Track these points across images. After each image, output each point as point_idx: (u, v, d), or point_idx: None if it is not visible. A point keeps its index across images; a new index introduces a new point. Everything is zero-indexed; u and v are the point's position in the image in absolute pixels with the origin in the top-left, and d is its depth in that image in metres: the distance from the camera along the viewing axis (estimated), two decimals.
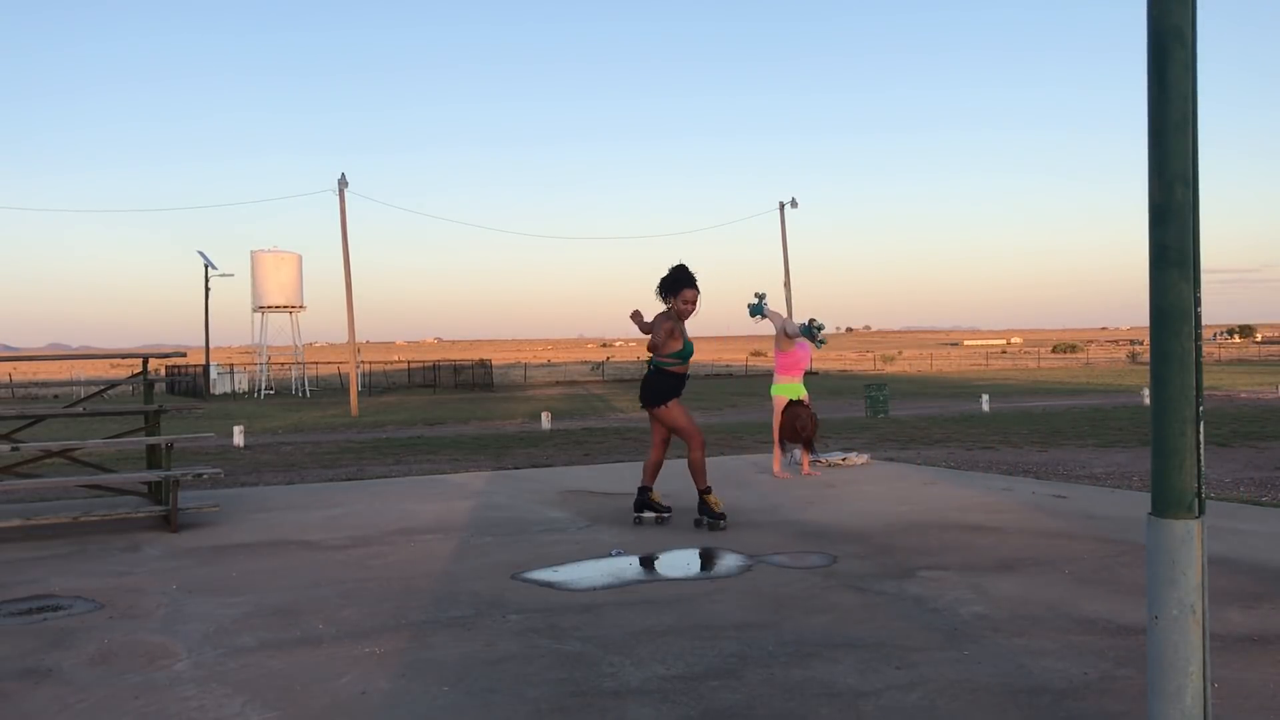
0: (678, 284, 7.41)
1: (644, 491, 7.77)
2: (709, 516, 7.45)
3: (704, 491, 7.50)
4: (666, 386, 7.53)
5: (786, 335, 10.52)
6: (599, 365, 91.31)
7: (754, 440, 16.81)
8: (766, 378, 12.17)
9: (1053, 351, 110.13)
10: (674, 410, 7.57)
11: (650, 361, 7.60)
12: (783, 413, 10.28)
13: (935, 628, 4.72)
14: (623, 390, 50.14)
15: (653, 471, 7.85)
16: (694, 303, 7.44)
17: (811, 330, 10.73)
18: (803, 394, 10.39)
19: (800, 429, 10.17)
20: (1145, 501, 8.28)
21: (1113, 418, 21.63)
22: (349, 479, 12.08)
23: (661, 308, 7.53)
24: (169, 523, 7.76)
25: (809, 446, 10.44)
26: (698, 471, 7.56)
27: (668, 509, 7.73)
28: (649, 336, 7.50)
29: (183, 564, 6.55)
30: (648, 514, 7.72)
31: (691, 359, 7.65)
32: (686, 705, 3.75)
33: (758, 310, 10.83)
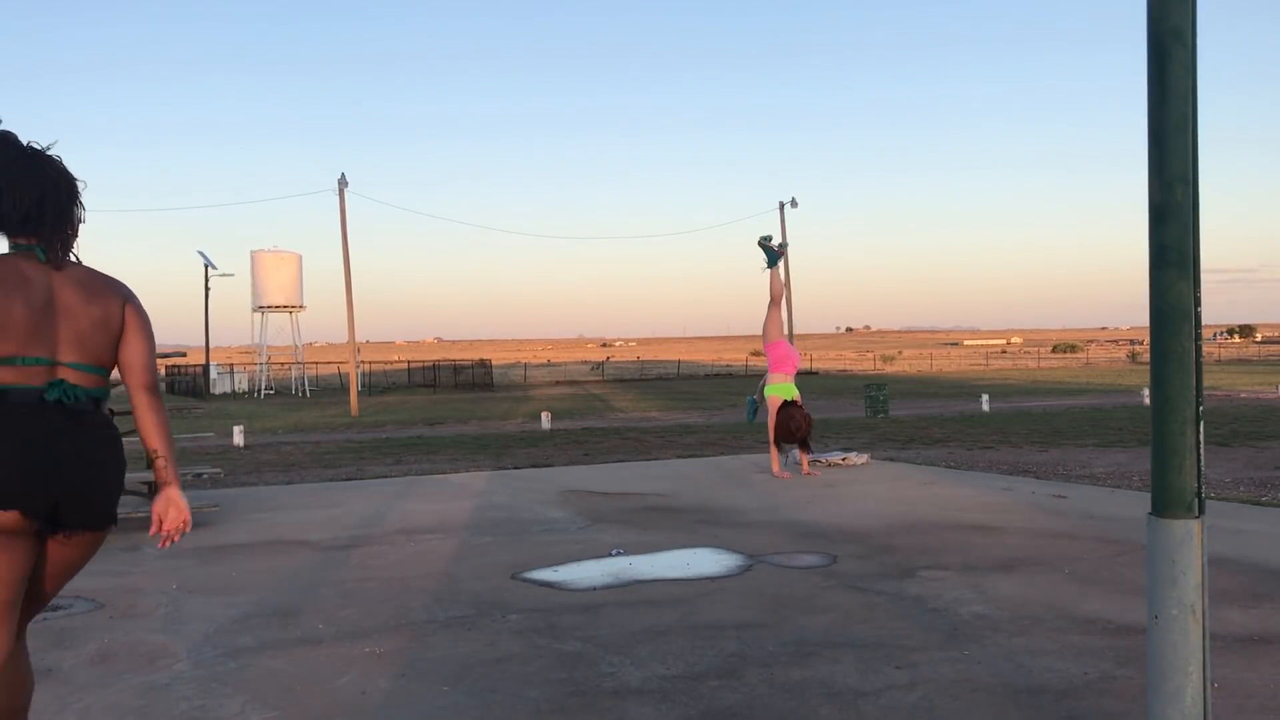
0: None
1: None
2: None
3: None
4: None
5: (772, 297, 10.82)
6: (599, 365, 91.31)
7: (754, 440, 16.81)
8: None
9: (1053, 351, 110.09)
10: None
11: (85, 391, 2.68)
12: (777, 414, 10.34)
13: (935, 628, 4.72)
14: (623, 390, 50.14)
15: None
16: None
17: (771, 249, 10.93)
18: (795, 394, 10.48)
19: (795, 430, 10.27)
20: (1145, 501, 8.27)
21: (1113, 418, 21.63)
22: (349, 479, 12.07)
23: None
24: None
25: (804, 446, 10.50)
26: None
27: None
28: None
29: (183, 564, 6.54)
30: None
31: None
32: (686, 705, 3.75)
33: (774, 261, 10.91)
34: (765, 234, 11.11)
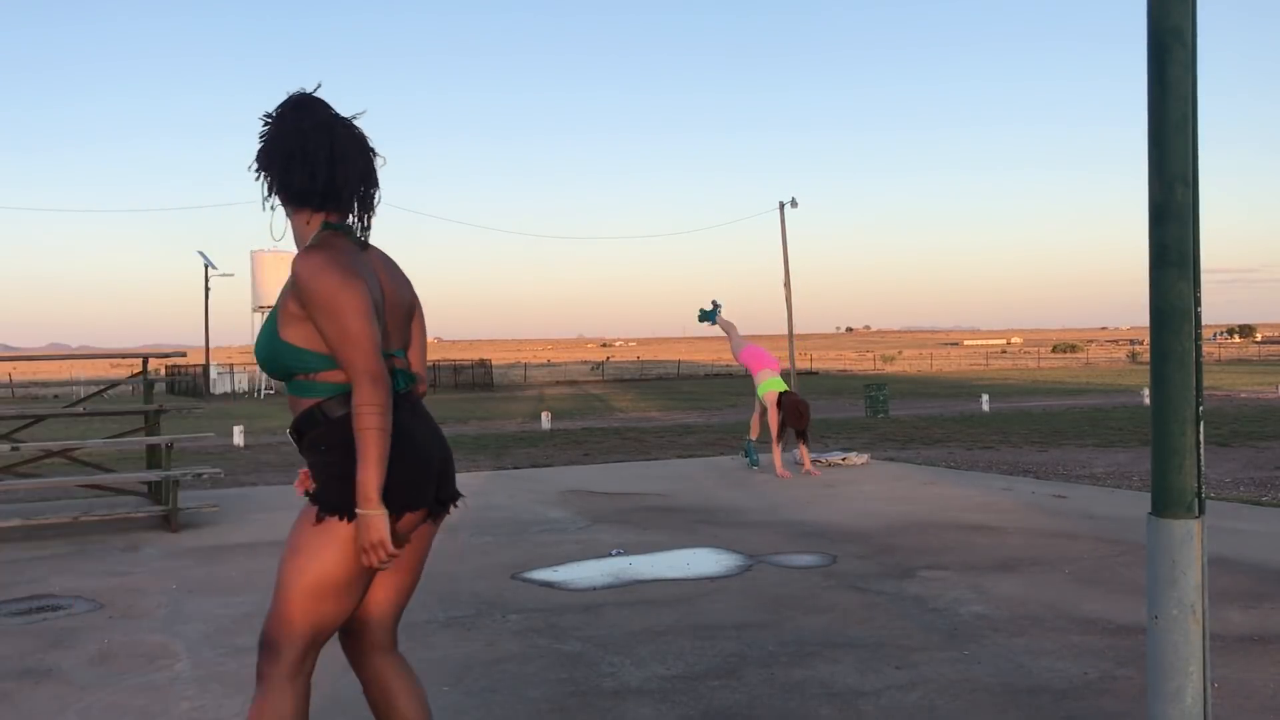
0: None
1: None
2: None
3: None
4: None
5: (732, 343, 11.36)
6: (599, 365, 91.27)
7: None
8: None
9: (1053, 351, 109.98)
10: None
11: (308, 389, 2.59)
12: (780, 403, 10.45)
13: (935, 628, 4.72)
14: (623, 390, 50.14)
15: None
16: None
17: (708, 312, 11.58)
18: (785, 388, 10.78)
19: (804, 411, 10.44)
20: (1145, 501, 8.27)
21: (1113, 418, 21.63)
22: None
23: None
24: (169, 523, 7.76)
25: (803, 437, 10.61)
26: None
27: None
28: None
29: (183, 564, 6.54)
30: None
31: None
32: (686, 705, 3.75)
33: (708, 317, 11.62)
34: (700, 308, 11.72)
